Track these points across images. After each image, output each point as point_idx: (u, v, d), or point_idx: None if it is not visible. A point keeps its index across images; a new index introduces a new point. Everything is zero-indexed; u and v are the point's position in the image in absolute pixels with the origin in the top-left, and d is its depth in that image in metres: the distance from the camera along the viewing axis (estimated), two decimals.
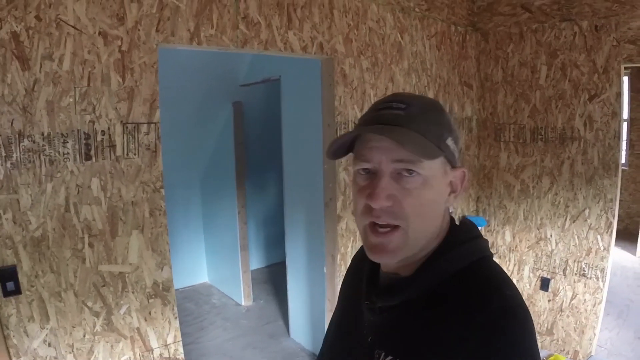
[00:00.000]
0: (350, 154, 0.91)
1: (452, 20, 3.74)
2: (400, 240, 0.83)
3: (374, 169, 0.84)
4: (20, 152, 1.77)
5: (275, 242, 6.01)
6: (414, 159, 0.80)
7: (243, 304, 5.02)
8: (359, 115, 3.05)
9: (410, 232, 0.83)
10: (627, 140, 7.00)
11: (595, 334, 3.46)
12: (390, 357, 0.84)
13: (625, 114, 6.47)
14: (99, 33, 1.91)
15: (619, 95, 3.20)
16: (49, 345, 1.92)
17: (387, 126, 0.82)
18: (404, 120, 0.82)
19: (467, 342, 0.73)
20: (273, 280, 5.69)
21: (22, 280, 1.83)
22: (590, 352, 3.47)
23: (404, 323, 0.86)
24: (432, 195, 0.84)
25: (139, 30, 2.02)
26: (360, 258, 1.08)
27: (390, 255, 0.85)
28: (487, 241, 0.92)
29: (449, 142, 0.86)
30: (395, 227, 0.83)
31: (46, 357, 1.91)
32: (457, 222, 0.94)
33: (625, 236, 6.41)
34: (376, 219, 0.83)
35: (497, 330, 0.73)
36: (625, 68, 3.26)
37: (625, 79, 5.57)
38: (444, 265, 0.85)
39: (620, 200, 3.46)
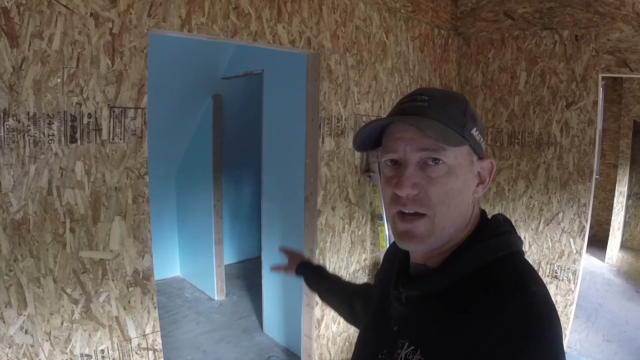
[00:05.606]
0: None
1: (435, 24, 3.78)
2: (426, 227, 0.85)
3: (399, 159, 0.86)
4: (4, 132, 1.71)
5: (248, 238, 6.01)
6: (438, 147, 0.82)
7: (216, 298, 4.98)
8: (342, 111, 3.07)
9: (437, 220, 0.85)
10: (598, 149, 7.17)
11: (565, 335, 3.53)
12: (412, 347, 0.85)
13: (599, 124, 6.63)
14: (91, 14, 1.87)
15: (595, 103, 3.28)
16: (26, 332, 1.86)
17: (409, 116, 0.86)
18: (427, 110, 0.86)
19: (489, 338, 0.72)
20: (245, 275, 5.67)
21: (1, 264, 1.77)
22: None
23: (427, 315, 0.87)
24: (457, 184, 0.85)
25: (130, 13, 1.99)
26: (393, 250, 1.12)
27: (417, 241, 0.86)
28: (519, 238, 0.92)
29: (474, 132, 0.88)
30: (421, 215, 0.85)
31: (22, 345, 1.85)
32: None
33: (595, 243, 6.60)
34: (403, 207, 0.86)
35: (519, 327, 0.72)
36: (602, 78, 3.35)
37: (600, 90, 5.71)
38: (470, 259, 0.86)
39: None
